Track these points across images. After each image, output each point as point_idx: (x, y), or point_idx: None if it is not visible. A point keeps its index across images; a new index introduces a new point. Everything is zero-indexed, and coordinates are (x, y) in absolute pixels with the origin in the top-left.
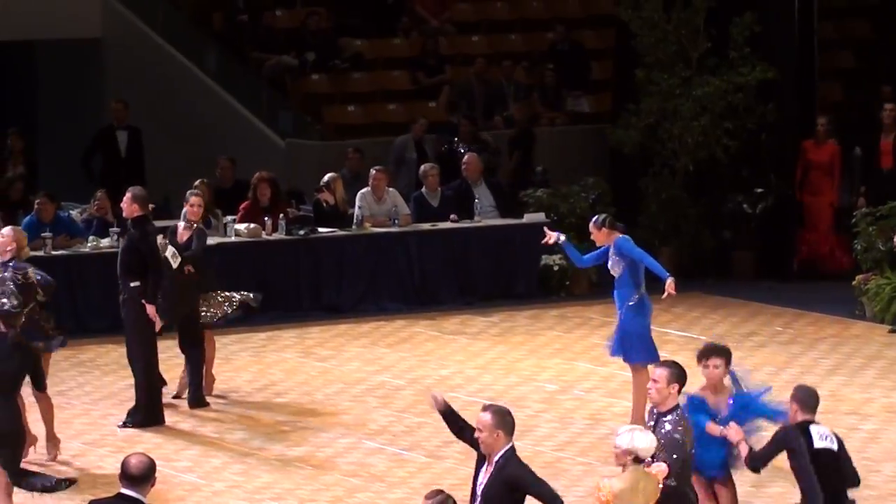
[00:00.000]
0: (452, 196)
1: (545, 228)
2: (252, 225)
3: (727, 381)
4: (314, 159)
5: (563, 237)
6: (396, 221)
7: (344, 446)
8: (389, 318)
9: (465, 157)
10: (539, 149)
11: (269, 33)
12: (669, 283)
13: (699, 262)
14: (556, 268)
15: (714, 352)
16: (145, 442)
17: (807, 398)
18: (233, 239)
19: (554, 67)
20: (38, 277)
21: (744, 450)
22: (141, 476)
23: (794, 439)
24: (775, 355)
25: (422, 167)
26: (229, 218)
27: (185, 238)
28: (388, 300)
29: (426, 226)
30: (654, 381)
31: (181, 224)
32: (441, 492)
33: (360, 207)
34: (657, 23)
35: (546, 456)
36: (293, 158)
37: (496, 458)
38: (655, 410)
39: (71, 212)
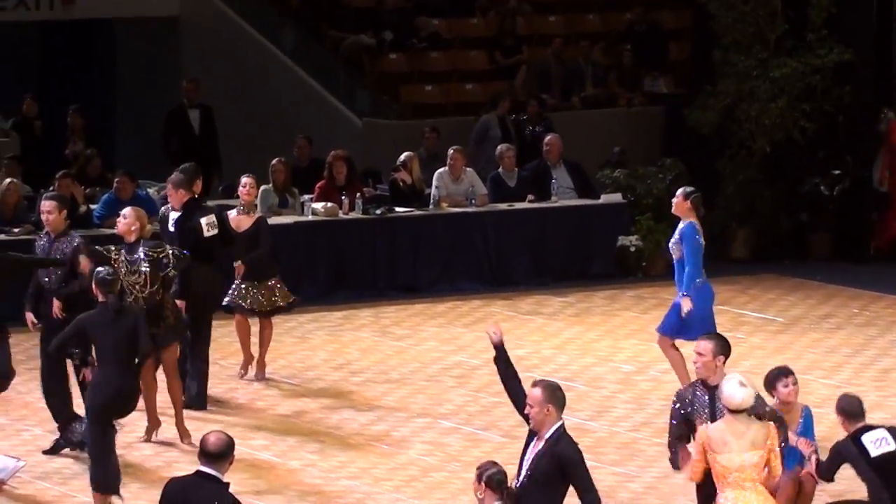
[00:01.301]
0: (530, 176)
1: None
2: (329, 204)
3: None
4: (391, 139)
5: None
6: (473, 201)
7: (419, 426)
8: (466, 298)
9: (548, 137)
10: (616, 129)
11: (346, 12)
12: (683, 299)
13: (776, 243)
14: (632, 248)
15: (789, 372)
16: (221, 420)
17: (850, 406)
18: (309, 218)
19: (631, 48)
20: (173, 251)
21: (813, 462)
22: (219, 453)
23: (848, 452)
24: (852, 337)
25: (498, 148)
26: (306, 197)
27: (244, 226)
28: (464, 280)
29: (503, 206)
30: (700, 354)
31: (234, 212)
32: (494, 463)
33: (436, 187)
34: (734, 4)
35: (622, 437)
36: (370, 138)
37: (547, 435)
38: (705, 383)
39: (148, 190)
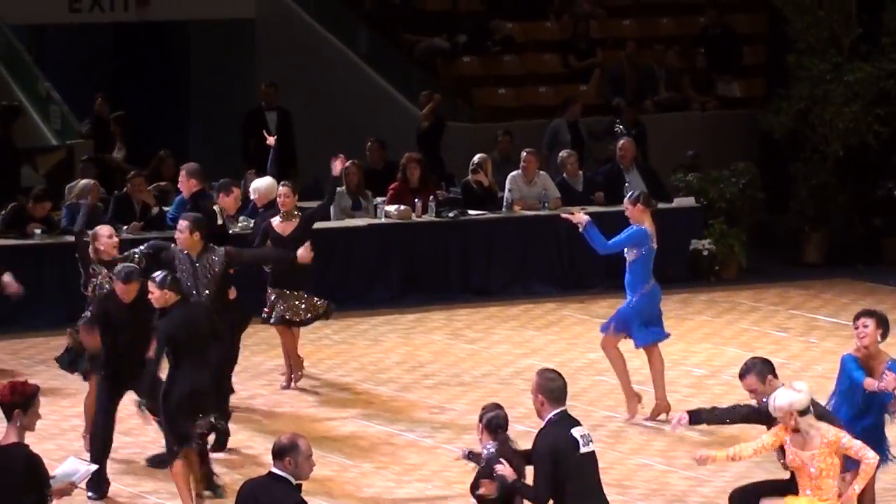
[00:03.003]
0: (602, 180)
1: (569, 216)
2: (402, 207)
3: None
4: (464, 142)
5: (585, 220)
6: (546, 204)
7: None
8: (538, 302)
9: (621, 142)
10: (689, 132)
11: (421, 15)
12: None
13: (849, 248)
14: (705, 252)
15: (864, 314)
16: (294, 422)
17: None
18: (383, 220)
19: (705, 51)
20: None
21: None
22: (276, 451)
23: None
24: None
25: (560, 155)
26: (379, 199)
27: (288, 230)
28: (537, 283)
29: (576, 209)
30: (752, 391)
31: (277, 219)
32: (497, 406)
33: (510, 190)
34: (809, 8)
35: (693, 440)
36: (443, 141)
37: (542, 425)
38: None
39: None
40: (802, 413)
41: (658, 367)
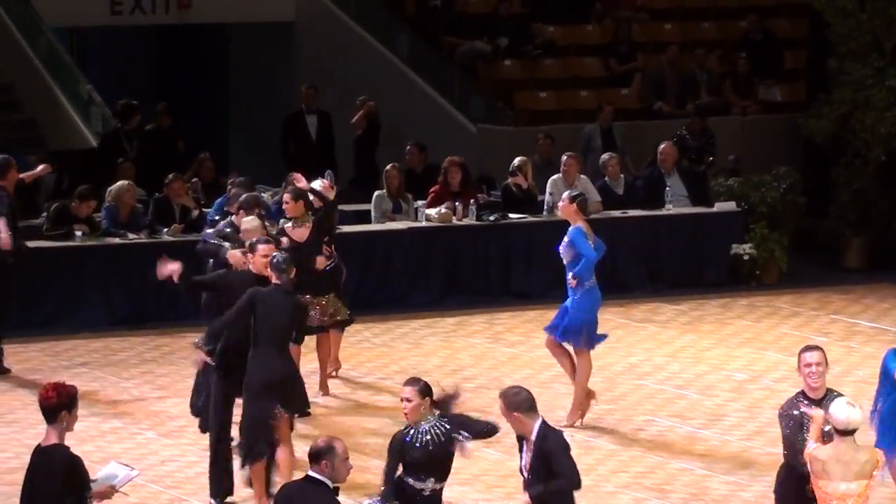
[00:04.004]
0: (643, 184)
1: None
2: (443, 210)
3: None
4: (505, 145)
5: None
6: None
7: None
8: None
9: (662, 146)
10: (730, 137)
11: (462, 18)
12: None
13: (890, 253)
14: (746, 257)
15: None
16: (337, 425)
17: None
18: (423, 223)
19: (747, 56)
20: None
21: None
22: (313, 454)
23: None
24: None
25: (601, 157)
26: (420, 202)
27: (304, 236)
28: None
29: (616, 213)
30: (818, 363)
31: (289, 224)
32: (419, 379)
33: (550, 194)
34: (851, 12)
35: (733, 445)
36: (484, 144)
37: (533, 437)
38: (808, 396)
39: (262, 194)
40: (840, 430)
41: (584, 373)
